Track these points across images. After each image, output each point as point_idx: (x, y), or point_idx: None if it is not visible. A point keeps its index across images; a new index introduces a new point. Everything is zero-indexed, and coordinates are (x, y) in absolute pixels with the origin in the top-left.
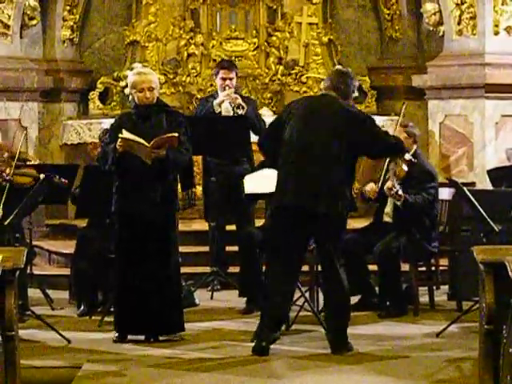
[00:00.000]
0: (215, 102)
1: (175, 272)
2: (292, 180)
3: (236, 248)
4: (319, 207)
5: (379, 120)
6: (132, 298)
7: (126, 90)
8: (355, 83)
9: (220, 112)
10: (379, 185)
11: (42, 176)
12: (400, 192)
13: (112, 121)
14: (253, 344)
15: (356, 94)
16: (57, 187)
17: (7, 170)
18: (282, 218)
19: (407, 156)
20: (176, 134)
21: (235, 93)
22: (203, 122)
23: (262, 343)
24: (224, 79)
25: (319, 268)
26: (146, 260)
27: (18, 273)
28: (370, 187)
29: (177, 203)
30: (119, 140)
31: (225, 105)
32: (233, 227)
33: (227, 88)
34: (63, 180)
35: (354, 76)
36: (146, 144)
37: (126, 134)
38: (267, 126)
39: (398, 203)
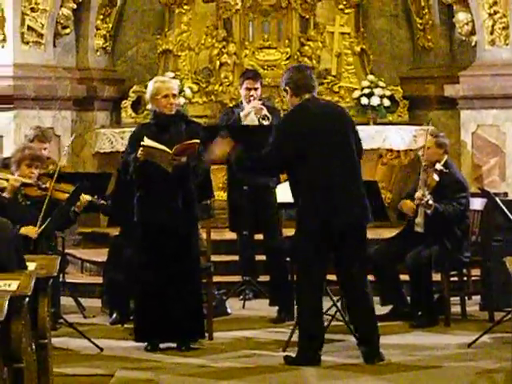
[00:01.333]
0: (242, 114)
1: (196, 279)
2: (328, 199)
3: (265, 257)
4: (350, 219)
5: (411, 130)
6: (155, 306)
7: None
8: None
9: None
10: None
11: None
12: (430, 201)
13: None
14: (284, 353)
15: (387, 103)
16: (97, 207)
17: (47, 184)
18: (315, 234)
19: (438, 166)
20: (197, 141)
21: (263, 104)
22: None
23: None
24: (249, 89)
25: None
26: (168, 268)
27: (51, 281)
28: (408, 207)
29: (197, 212)
30: (141, 148)
31: (251, 116)
32: (260, 236)
33: (252, 98)
34: (103, 202)
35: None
36: (168, 150)
37: (147, 142)
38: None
39: (429, 212)
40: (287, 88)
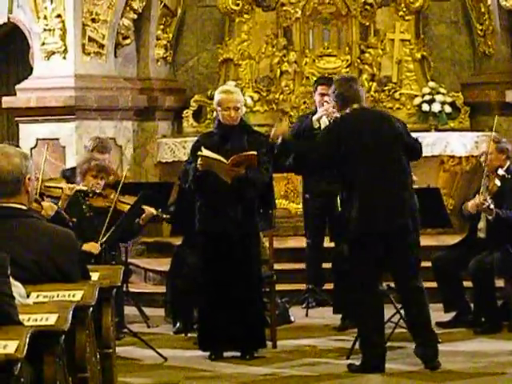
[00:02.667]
0: (314, 118)
1: (258, 287)
2: (381, 206)
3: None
4: (399, 225)
5: (473, 136)
6: (218, 315)
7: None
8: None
9: (319, 127)
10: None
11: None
12: (492, 206)
13: None
14: (348, 361)
15: (448, 110)
16: (161, 220)
17: (111, 196)
18: (365, 243)
19: (500, 171)
20: (255, 153)
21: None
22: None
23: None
24: (322, 95)
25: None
26: (230, 277)
27: (114, 291)
28: (471, 205)
29: (257, 221)
30: (199, 158)
31: (323, 120)
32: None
33: (325, 104)
34: (165, 216)
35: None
36: (225, 161)
37: (205, 152)
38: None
39: (490, 218)
40: (335, 101)
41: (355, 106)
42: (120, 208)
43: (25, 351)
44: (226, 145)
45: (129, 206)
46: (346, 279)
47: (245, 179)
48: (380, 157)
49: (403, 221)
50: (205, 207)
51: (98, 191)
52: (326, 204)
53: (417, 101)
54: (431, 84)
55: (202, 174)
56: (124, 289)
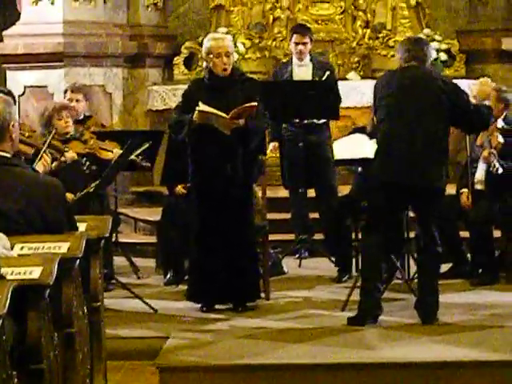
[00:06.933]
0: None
1: (251, 239)
2: (400, 157)
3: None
4: (427, 183)
5: (468, 84)
6: (210, 266)
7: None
8: (432, 50)
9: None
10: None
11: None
12: (500, 170)
13: None
14: (343, 313)
15: (444, 57)
16: (141, 167)
17: (91, 142)
18: (385, 193)
19: (499, 123)
20: (255, 104)
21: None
22: (286, 86)
23: (359, 316)
24: (297, 44)
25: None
26: (223, 229)
27: (102, 242)
28: (464, 201)
29: (253, 174)
30: (196, 113)
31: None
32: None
33: (301, 53)
34: (145, 164)
35: (429, 42)
36: (225, 115)
37: (203, 107)
38: None
39: (499, 171)
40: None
41: (412, 62)
42: (100, 155)
43: (6, 306)
44: (221, 98)
45: (109, 153)
46: (342, 233)
47: (245, 130)
48: (414, 111)
49: (442, 177)
50: (199, 162)
51: (74, 134)
52: (313, 152)
53: None
54: (426, 31)
55: (198, 127)
56: (113, 239)
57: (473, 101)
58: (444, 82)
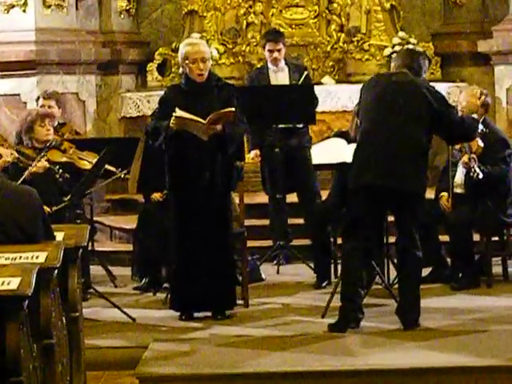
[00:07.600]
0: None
1: (229, 245)
2: (378, 160)
3: (298, 221)
4: (405, 187)
5: (444, 87)
6: (188, 274)
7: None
8: (427, 63)
9: None
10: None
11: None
12: (480, 175)
13: None
14: (324, 319)
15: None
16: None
17: (70, 151)
18: (364, 197)
19: (479, 127)
20: (232, 109)
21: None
22: (265, 91)
23: (340, 322)
24: (271, 51)
25: (389, 241)
26: (201, 236)
27: (80, 251)
28: (444, 203)
29: (233, 181)
30: (173, 119)
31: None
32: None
33: (276, 60)
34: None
35: (426, 56)
36: (202, 121)
37: (180, 113)
38: None
39: (479, 177)
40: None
41: (402, 69)
42: (78, 165)
43: None
44: (198, 104)
45: (87, 163)
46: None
47: (223, 135)
48: (391, 119)
49: (420, 182)
50: (177, 168)
51: (54, 142)
52: (292, 156)
53: (386, 51)
54: (401, 34)
55: (175, 134)
56: (89, 248)
57: (460, 113)
58: (429, 91)
